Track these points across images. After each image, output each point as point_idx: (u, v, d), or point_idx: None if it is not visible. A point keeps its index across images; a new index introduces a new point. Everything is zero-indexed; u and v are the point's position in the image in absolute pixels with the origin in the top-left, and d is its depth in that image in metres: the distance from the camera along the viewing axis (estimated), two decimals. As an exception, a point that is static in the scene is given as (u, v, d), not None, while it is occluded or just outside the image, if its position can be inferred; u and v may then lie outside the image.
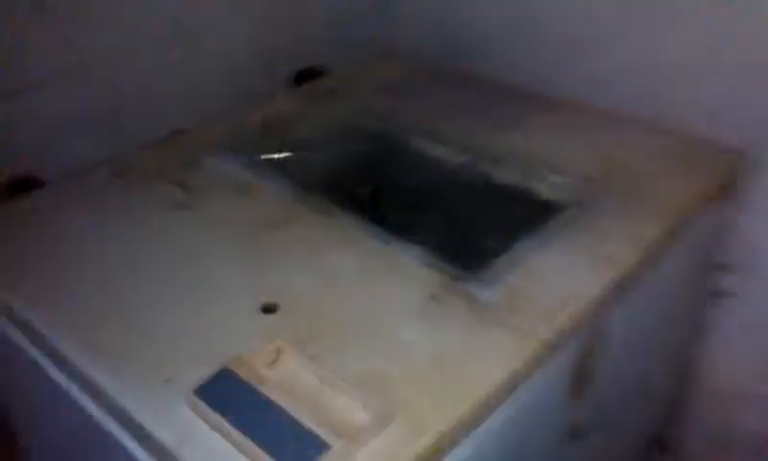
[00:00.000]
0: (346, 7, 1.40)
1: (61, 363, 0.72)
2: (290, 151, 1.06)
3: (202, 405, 0.61)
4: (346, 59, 1.39)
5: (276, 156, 1.05)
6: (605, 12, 1.14)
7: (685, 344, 1.19)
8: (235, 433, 0.59)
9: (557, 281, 0.77)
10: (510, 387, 0.67)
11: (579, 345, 0.77)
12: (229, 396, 0.62)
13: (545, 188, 0.94)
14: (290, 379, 0.64)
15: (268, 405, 0.61)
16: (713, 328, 1.19)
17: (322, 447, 0.57)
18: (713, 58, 1.05)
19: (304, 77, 1.32)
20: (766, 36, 1.00)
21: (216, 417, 0.60)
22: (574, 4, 1.18)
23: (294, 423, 0.59)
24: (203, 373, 0.64)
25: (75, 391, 0.72)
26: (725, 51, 1.04)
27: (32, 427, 0.91)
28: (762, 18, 0.99)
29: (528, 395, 0.70)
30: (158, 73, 1.17)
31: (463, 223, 0.92)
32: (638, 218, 0.87)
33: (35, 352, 0.76)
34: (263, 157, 1.03)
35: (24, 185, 1.01)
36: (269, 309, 0.73)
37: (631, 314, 0.86)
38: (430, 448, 0.60)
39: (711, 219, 1.02)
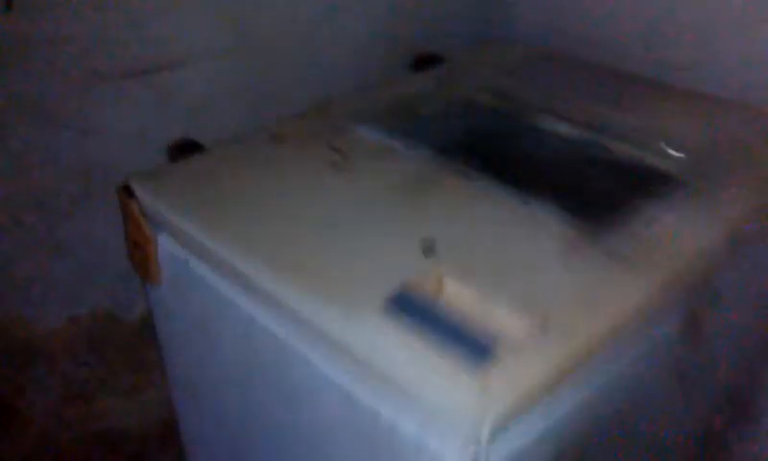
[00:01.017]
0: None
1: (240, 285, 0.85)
2: (421, 123, 1.17)
3: (387, 317, 0.73)
4: (461, 46, 1.52)
5: (410, 125, 1.16)
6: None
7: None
8: (417, 339, 0.71)
9: (677, 239, 0.87)
10: (638, 324, 0.79)
11: (695, 295, 0.89)
12: (409, 309, 0.74)
13: (662, 161, 1.04)
14: (460, 299, 0.76)
15: (444, 317, 0.73)
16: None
17: (495, 346, 0.70)
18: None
19: (423, 62, 1.41)
20: None
21: (400, 326, 0.72)
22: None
23: (469, 330, 0.72)
24: (380, 293, 0.76)
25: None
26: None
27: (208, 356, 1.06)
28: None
29: (649, 336, 0.82)
30: (296, 51, 1.35)
31: (582, 191, 1.01)
32: (751, 187, 0.98)
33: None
34: (400, 127, 1.15)
35: (185, 148, 1.11)
36: (425, 252, 0.84)
37: (741, 273, 0.97)
38: (581, 350, 0.72)
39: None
